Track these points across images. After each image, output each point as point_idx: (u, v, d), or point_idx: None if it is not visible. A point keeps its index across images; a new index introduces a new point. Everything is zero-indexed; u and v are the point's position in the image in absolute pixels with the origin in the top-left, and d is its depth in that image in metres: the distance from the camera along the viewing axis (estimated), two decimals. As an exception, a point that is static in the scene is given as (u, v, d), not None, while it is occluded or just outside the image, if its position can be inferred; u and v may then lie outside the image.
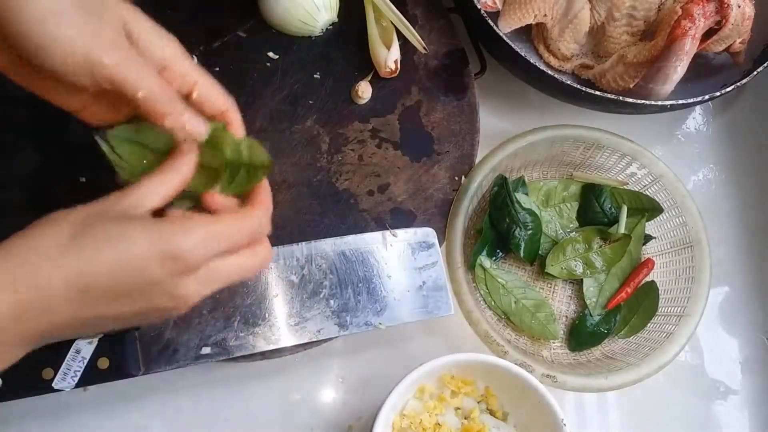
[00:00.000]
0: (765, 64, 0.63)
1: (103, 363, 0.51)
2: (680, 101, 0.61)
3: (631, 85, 0.64)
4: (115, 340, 0.52)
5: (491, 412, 0.57)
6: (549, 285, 0.66)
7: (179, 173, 0.40)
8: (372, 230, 0.60)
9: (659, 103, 0.61)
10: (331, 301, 0.57)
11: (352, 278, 0.57)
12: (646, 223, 0.66)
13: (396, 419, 0.54)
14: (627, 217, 0.66)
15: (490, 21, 0.61)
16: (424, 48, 0.65)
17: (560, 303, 0.66)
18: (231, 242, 0.39)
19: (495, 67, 0.69)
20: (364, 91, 0.64)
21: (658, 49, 0.61)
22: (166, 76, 0.42)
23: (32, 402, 0.50)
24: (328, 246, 0.58)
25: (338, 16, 0.66)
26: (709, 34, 0.62)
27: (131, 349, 0.52)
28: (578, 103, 0.65)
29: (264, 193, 0.42)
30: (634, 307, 0.65)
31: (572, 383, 0.58)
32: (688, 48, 0.60)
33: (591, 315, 0.64)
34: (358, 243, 0.59)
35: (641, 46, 0.64)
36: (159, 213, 0.38)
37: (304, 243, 0.57)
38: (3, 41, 0.38)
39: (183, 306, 0.38)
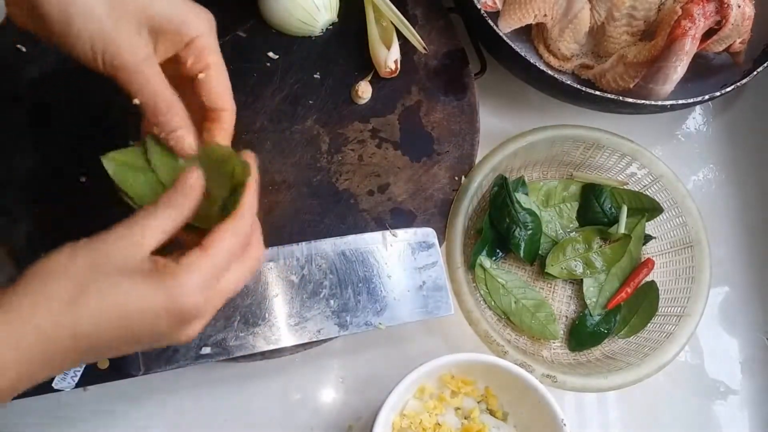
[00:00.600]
0: (765, 64, 0.63)
1: (103, 363, 0.51)
2: (680, 101, 0.61)
3: (631, 85, 0.64)
4: (115, 340, 0.52)
5: (491, 412, 0.57)
6: (549, 285, 0.66)
7: (181, 209, 0.39)
8: (372, 230, 0.60)
9: (659, 103, 0.61)
10: (331, 301, 0.57)
11: (352, 278, 0.57)
12: (646, 223, 0.66)
13: (396, 419, 0.54)
14: (627, 217, 0.66)
15: (490, 21, 0.61)
16: (424, 48, 0.65)
17: (560, 303, 0.66)
18: (227, 266, 0.39)
19: (495, 67, 0.69)
20: (364, 91, 0.64)
21: (658, 49, 0.61)
22: (185, 51, 0.42)
23: (32, 402, 0.50)
24: (328, 246, 0.58)
25: (338, 16, 0.66)
26: (709, 34, 0.62)
27: (131, 349, 0.52)
28: (578, 103, 0.65)
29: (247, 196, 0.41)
30: (634, 307, 0.65)
31: (572, 383, 0.58)
32: (688, 48, 0.60)
33: (591, 315, 0.64)
34: (358, 243, 0.58)
35: (641, 46, 0.64)
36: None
37: (304, 243, 0.57)
38: (34, 13, 0.38)
39: (188, 341, 0.40)
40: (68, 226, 0.58)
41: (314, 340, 0.56)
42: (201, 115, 0.45)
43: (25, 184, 0.58)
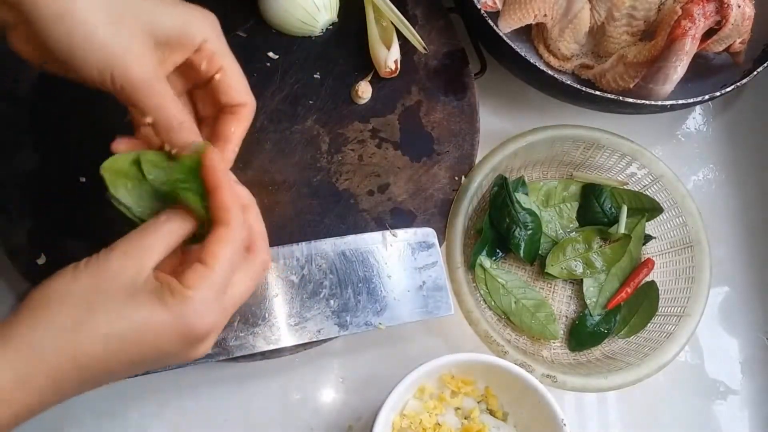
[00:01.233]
0: (765, 64, 0.63)
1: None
2: (680, 101, 0.61)
3: (631, 85, 0.64)
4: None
5: (491, 412, 0.57)
6: (549, 285, 0.66)
7: (184, 224, 0.39)
8: (372, 230, 0.60)
9: (659, 103, 0.61)
10: (331, 301, 0.57)
11: (352, 278, 0.57)
12: (646, 223, 0.66)
13: (396, 419, 0.54)
14: (627, 217, 0.66)
15: (490, 21, 0.61)
16: (424, 48, 0.65)
17: (560, 303, 0.66)
18: (231, 276, 0.39)
19: (495, 67, 0.69)
20: (364, 91, 0.64)
21: (658, 49, 0.61)
22: (196, 56, 0.42)
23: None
24: (328, 246, 0.58)
25: (338, 16, 0.66)
26: (709, 34, 0.62)
27: (131, 349, 0.52)
28: (578, 103, 0.65)
29: (226, 200, 0.39)
30: (634, 307, 0.65)
31: (572, 383, 0.58)
32: (688, 48, 0.60)
33: (591, 315, 0.64)
34: (358, 243, 0.58)
35: (641, 46, 0.64)
36: None
37: (304, 243, 0.57)
38: (35, 42, 0.38)
39: (201, 356, 0.39)
40: (68, 226, 0.58)
41: (314, 340, 0.56)
42: (215, 109, 0.45)
43: (25, 184, 0.59)
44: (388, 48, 0.64)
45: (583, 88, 0.61)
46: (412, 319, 0.58)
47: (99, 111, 0.60)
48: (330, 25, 0.66)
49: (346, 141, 0.64)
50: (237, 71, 0.44)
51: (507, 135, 0.64)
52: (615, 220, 0.66)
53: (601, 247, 0.66)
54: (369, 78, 0.65)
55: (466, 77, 0.67)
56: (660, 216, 0.66)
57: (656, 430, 0.66)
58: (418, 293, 0.58)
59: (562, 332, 0.65)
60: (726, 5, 0.60)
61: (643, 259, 0.66)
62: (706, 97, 0.62)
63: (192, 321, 0.36)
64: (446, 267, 0.60)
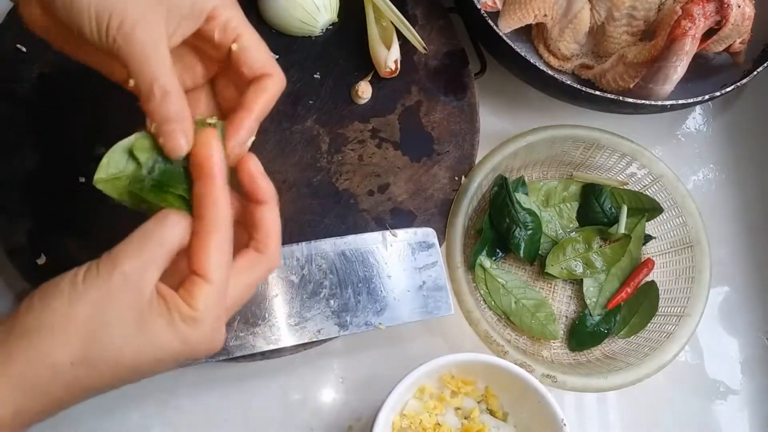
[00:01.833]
0: (765, 64, 0.63)
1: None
2: (680, 101, 0.61)
3: (631, 85, 0.64)
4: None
5: (491, 412, 0.57)
6: (549, 285, 0.66)
7: (176, 228, 0.36)
8: (372, 230, 0.60)
9: (659, 103, 0.61)
10: (331, 301, 0.57)
11: (352, 278, 0.57)
12: (646, 223, 0.66)
13: (396, 419, 0.54)
14: (627, 217, 0.66)
15: (490, 21, 0.61)
16: (424, 48, 0.65)
17: (560, 303, 0.66)
18: (227, 279, 0.36)
19: (495, 67, 0.69)
20: (364, 91, 0.64)
21: (658, 49, 0.61)
22: (207, 26, 0.39)
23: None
24: (328, 246, 0.58)
25: (338, 16, 0.66)
26: (709, 34, 0.62)
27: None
28: (578, 103, 0.65)
29: (213, 196, 0.36)
30: (634, 307, 0.65)
31: (572, 383, 0.58)
32: (688, 48, 0.60)
33: (591, 315, 0.64)
34: (358, 243, 0.58)
35: (641, 46, 0.64)
36: None
37: (304, 243, 0.57)
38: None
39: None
40: (68, 226, 0.58)
41: (314, 340, 0.56)
42: (240, 93, 0.41)
43: (25, 184, 0.58)
44: (388, 48, 0.64)
45: (583, 88, 0.61)
46: (412, 319, 0.58)
47: (99, 111, 0.60)
48: (330, 25, 0.66)
49: (346, 141, 0.64)
50: (256, 40, 0.40)
51: (507, 135, 0.64)
52: (615, 220, 0.66)
53: (601, 247, 0.66)
54: (369, 78, 0.65)
55: (466, 77, 0.67)
56: (660, 216, 0.66)
57: (656, 430, 0.66)
58: (418, 293, 0.58)
59: (562, 332, 0.65)
60: (726, 5, 0.60)
61: (643, 259, 0.66)
62: (706, 97, 0.62)
63: (201, 346, 0.35)
64: (446, 267, 0.60)
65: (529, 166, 0.68)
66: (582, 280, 0.65)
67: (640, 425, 0.66)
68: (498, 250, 0.65)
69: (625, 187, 0.67)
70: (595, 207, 0.66)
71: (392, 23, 0.65)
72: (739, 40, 0.64)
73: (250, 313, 0.55)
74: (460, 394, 0.55)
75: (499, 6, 0.66)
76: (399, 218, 0.62)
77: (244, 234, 0.39)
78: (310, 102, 0.64)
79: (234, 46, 0.39)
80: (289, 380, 0.61)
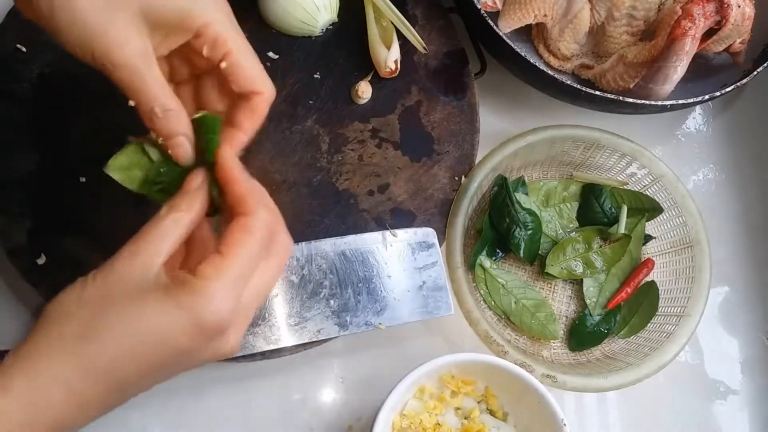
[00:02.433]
0: (765, 64, 0.63)
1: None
2: (680, 101, 0.61)
3: (631, 85, 0.64)
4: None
5: (491, 412, 0.57)
6: (549, 285, 0.66)
7: (188, 214, 0.37)
8: (372, 230, 0.60)
9: (659, 103, 0.61)
10: (331, 301, 0.57)
11: (352, 278, 0.57)
12: (646, 223, 0.66)
13: (396, 419, 0.54)
14: (627, 217, 0.66)
15: (490, 21, 0.61)
16: (424, 48, 0.65)
17: (560, 303, 0.66)
18: (253, 266, 0.37)
19: (495, 67, 0.69)
20: (364, 91, 0.64)
21: (658, 49, 0.61)
22: (197, 41, 0.39)
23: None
24: (328, 246, 0.58)
25: (338, 16, 0.66)
26: (709, 34, 0.62)
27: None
28: (578, 103, 0.65)
29: (242, 192, 0.38)
30: (634, 307, 0.65)
31: (572, 383, 0.58)
32: (688, 48, 0.60)
33: (591, 315, 0.64)
34: (358, 243, 0.58)
35: (641, 46, 0.64)
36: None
37: (304, 243, 0.57)
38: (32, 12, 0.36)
39: (231, 353, 0.37)
40: (68, 226, 0.58)
41: (314, 340, 0.56)
42: (231, 98, 0.42)
43: (25, 184, 0.58)
44: (388, 48, 0.64)
45: (583, 88, 0.61)
46: (412, 319, 0.58)
47: (99, 111, 0.60)
48: (330, 25, 0.66)
49: (346, 141, 0.64)
50: (248, 57, 0.40)
51: (507, 135, 0.64)
52: (615, 220, 0.66)
53: (601, 247, 0.66)
54: (369, 78, 0.65)
55: (466, 77, 0.67)
56: (660, 216, 0.66)
57: (656, 430, 0.66)
58: (418, 293, 0.58)
59: (562, 332, 0.65)
60: (726, 5, 0.60)
61: (643, 259, 0.66)
62: (706, 97, 0.62)
63: (204, 312, 0.34)
64: (446, 267, 0.60)
65: (529, 166, 0.68)
66: (582, 280, 0.65)
67: (640, 425, 0.66)
68: (498, 250, 0.65)
69: (625, 187, 0.67)
70: (595, 207, 0.66)
71: (392, 23, 0.65)
72: (739, 40, 0.64)
73: (250, 313, 0.55)
74: (460, 394, 0.55)
75: (499, 6, 0.66)
76: (399, 218, 0.62)
77: None
78: (310, 102, 0.64)
79: (223, 64, 0.39)
80: (289, 380, 0.61)
